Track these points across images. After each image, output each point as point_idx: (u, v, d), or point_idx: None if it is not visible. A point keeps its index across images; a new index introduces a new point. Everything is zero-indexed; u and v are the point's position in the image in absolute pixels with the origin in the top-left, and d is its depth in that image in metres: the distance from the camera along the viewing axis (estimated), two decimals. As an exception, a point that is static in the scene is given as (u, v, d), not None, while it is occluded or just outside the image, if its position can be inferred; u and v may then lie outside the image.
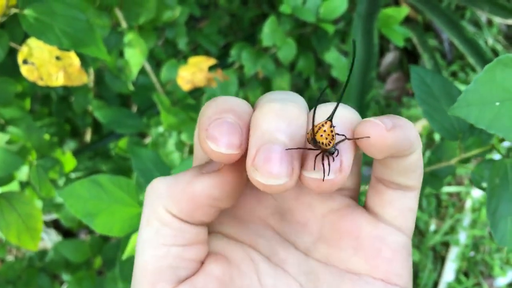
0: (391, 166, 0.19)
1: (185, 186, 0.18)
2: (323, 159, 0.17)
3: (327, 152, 0.17)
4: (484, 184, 0.39)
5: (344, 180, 0.17)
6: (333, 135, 0.17)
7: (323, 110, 0.18)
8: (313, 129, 0.17)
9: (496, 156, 0.36)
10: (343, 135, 0.18)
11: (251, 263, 0.20)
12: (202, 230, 0.19)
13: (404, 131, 0.17)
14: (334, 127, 0.17)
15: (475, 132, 0.39)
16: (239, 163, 0.18)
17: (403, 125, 0.17)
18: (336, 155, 0.17)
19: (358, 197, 0.22)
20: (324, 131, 0.17)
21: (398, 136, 0.17)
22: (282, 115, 0.17)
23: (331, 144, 0.17)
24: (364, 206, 0.21)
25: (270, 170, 0.16)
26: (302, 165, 0.17)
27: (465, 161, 0.41)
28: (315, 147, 0.17)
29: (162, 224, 0.18)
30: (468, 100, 0.24)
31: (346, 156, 0.17)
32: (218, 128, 0.17)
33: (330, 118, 0.17)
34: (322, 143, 0.17)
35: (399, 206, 0.20)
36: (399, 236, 0.20)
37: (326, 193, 0.18)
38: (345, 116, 0.18)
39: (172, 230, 0.19)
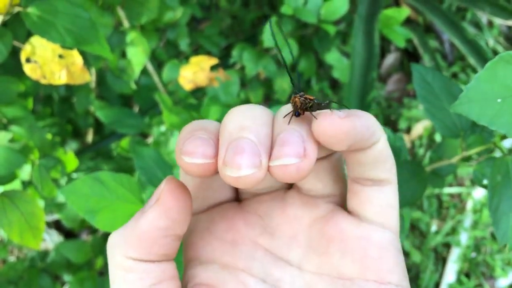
0: (359, 160, 0.19)
1: (133, 227, 0.19)
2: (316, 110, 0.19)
3: (317, 105, 0.19)
4: (486, 182, 0.39)
5: (310, 167, 0.17)
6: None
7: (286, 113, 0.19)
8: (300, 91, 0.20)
9: (498, 154, 0.37)
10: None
11: None
12: (168, 266, 0.20)
13: (361, 119, 0.18)
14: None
15: (477, 130, 0.39)
16: (179, 188, 0.19)
17: (359, 114, 0.18)
18: (327, 103, 0.20)
19: (345, 203, 0.22)
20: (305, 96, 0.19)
21: (354, 123, 0.17)
22: (246, 115, 0.19)
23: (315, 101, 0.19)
24: (346, 210, 0.21)
25: (239, 162, 0.17)
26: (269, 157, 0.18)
27: (467, 159, 0.41)
28: (305, 106, 0.19)
29: (126, 272, 0.19)
30: (469, 97, 0.25)
31: (309, 143, 0.18)
32: (191, 143, 0.18)
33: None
34: (311, 99, 0.19)
35: (378, 203, 0.20)
36: (384, 233, 0.20)
37: (294, 181, 0.18)
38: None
39: (137, 273, 0.19)
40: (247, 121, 0.18)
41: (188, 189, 0.19)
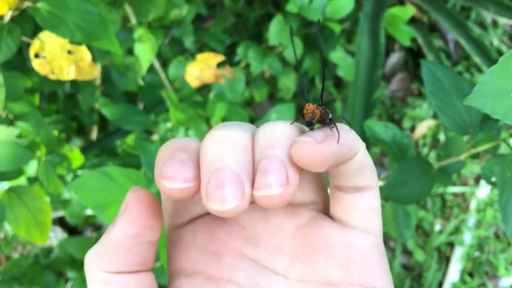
0: (340, 172, 0.19)
1: (105, 240, 0.19)
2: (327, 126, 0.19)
3: (327, 120, 0.20)
4: (494, 179, 0.39)
5: (293, 193, 0.17)
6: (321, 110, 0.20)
7: (269, 129, 0.19)
8: (321, 97, 0.20)
9: (505, 152, 0.37)
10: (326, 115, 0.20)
11: None
12: (146, 276, 0.19)
13: (339, 138, 0.18)
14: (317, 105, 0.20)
15: (485, 127, 0.39)
16: (145, 195, 0.19)
17: (336, 134, 0.18)
18: (330, 119, 0.20)
19: (327, 210, 0.22)
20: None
21: (331, 146, 0.17)
22: (224, 140, 0.18)
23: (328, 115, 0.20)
24: (329, 217, 0.21)
25: (221, 196, 0.17)
26: (252, 186, 0.18)
27: (475, 156, 0.41)
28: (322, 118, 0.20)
29: (104, 286, 0.19)
30: (483, 90, 0.25)
31: (291, 170, 0.17)
32: (170, 166, 0.18)
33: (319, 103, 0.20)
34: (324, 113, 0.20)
35: (361, 208, 0.20)
36: (367, 237, 0.20)
37: (279, 208, 0.18)
38: (283, 132, 0.19)
39: (114, 286, 0.19)
40: (227, 147, 0.18)
41: (154, 196, 0.19)
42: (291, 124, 0.19)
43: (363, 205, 0.20)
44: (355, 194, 0.20)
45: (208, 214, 0.22)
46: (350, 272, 0.20)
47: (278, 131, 0.19)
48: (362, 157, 0.19)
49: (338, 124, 0.19)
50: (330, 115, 0.20)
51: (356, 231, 0.20)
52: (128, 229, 0.19)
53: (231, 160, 0.18)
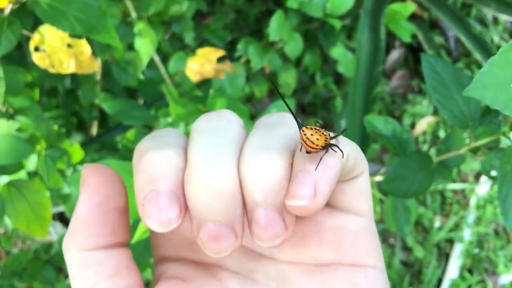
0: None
1: (73, 220, 0.19)
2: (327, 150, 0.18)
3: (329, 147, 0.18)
4: (494, 173, 0.39)
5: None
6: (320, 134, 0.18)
7: (260, 172, 0.18)
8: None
9: (505, 146, 0.37)
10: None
11: (219, 283, 0.20)
12: (123, 255, 0.19)
13: (328, 181, 0.17)
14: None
15: (485, 121, 0.39)
16: (98, 167, 0.19)
17: (325, 177, 0.17)
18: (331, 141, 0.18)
19: None
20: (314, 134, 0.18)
21: (324, 192, 0.17)
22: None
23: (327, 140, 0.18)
24: None
25: (216, 247, 0.17)
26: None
27: (475, 150, 0.41)
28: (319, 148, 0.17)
29: (83, 268, 0.18)
30: (483, 82, 0.25)
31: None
32: (154, 205, 0.17)
33: (300, 127, 0.18)
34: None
35: (351, 193, 0.20)
36: (358, 220, 0.20)
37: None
38: (276, 181, 0.18)
39: (92, 267, 0.18)
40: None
41: (109, 168, 0.19)
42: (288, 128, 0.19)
43: (353, 189, 0.20)
44: (347, 182, 0.20)
45: None
46: (341, 253, 0.20)
47: (269, 177, 0.17)
48: (354, 160, 0.19)
49: (335, 141, 0.18)
50: (331, 135, 0.18)
51: (346, 214, 0.20)
52: (91, 199, 0.18)
53: (218, 211, 0.17)
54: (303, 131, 0.17)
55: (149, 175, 0.17)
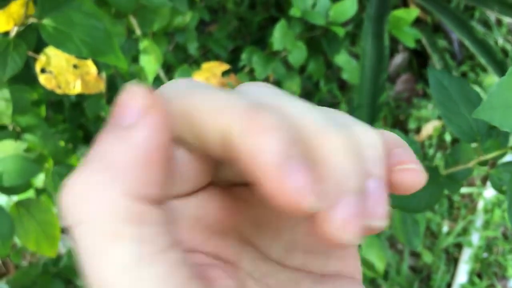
0: None
1: (122, 149, 0.12)
2: None
3: None
4: (504, 187, 0.38)
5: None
6: None
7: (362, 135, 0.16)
8: None
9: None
10: None
11: (238, 281, 0.19)
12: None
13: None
14: None
15: (493, 134, 0.39)
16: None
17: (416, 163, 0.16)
18: None
19: None
20: None
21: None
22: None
23: None
24: None
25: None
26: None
27: (483, 163, 0.40)
28: None
29: (140, 224, 0.12)
30: (492, 103, 0.24)
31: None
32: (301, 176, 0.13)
33: None
34: None
35: None
36: None
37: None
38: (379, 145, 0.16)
39: (152, 227, 0.12)
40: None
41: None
42: None
43: None
44: None
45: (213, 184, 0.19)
46: (345, 265, 0.20)
47: (371, 140, 0.15)
48: None
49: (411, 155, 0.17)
50: None
51: None
52: (159, 136, 0.13)
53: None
54: None
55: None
